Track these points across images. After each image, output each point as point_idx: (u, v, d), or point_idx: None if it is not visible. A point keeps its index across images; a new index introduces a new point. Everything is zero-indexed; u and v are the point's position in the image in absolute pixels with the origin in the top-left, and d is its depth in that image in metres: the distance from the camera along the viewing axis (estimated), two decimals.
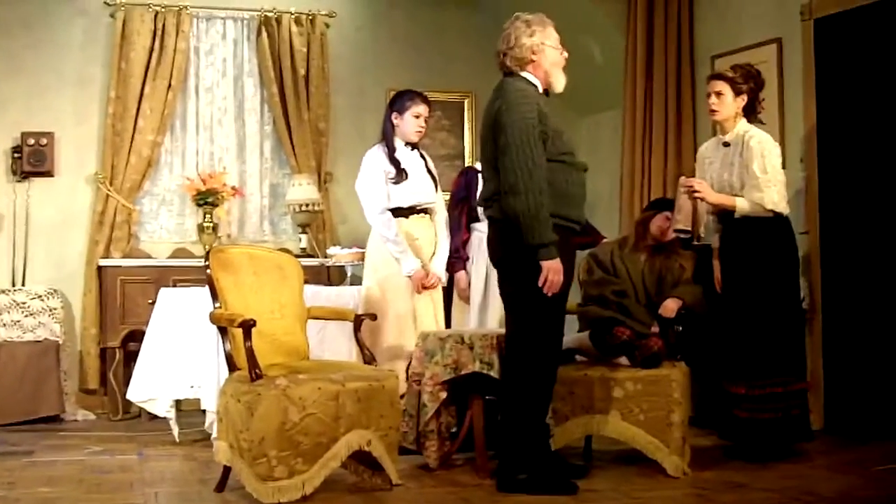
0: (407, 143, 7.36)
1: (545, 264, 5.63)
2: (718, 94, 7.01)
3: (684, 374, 6.56)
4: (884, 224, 7.77)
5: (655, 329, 6.71)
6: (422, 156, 7.46)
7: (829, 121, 8.06)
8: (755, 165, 6.80)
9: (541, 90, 6.00)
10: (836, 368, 7.98)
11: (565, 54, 6.07)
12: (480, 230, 7.41)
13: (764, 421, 6.77)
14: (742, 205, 6.81)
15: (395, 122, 7.33)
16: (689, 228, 6.92)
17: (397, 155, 7.28)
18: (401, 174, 7.22)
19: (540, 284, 5.66)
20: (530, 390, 5.84)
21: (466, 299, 7.73)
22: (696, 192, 6.85)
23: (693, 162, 8.64)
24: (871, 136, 7.87)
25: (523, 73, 5.98)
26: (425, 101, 7.39)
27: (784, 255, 6.96)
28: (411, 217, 7.26)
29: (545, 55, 5.97)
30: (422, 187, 7.32)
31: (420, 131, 7.38)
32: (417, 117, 7.32)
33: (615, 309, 6.72)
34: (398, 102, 7.36)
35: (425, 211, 7.37)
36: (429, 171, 7.42)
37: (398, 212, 7.23)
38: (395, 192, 7.21)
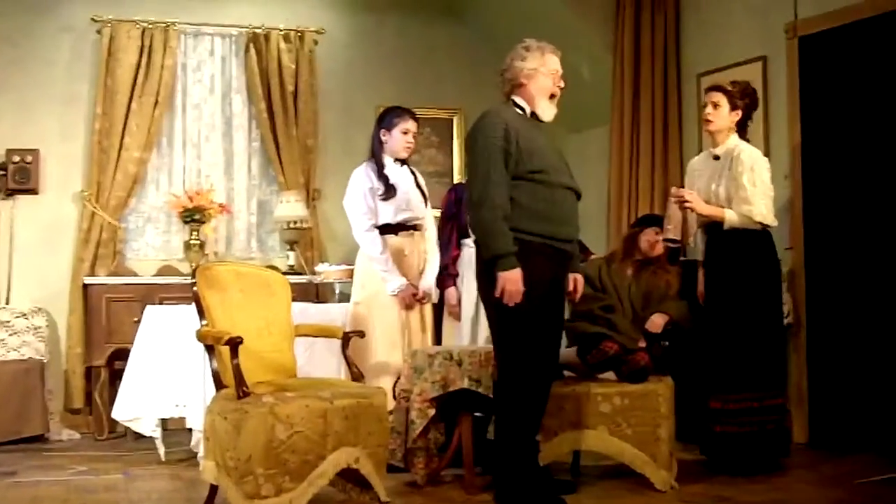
0: (396, 160, 7.34)
1: (501, 275, 5.66)
2: (715, 105, 7.05)
3: (670, 389, 6.59)
4: (867, 240, 7.84)
5: (642, 344, 6.74)
6: (412, 172, 7.45)
7: (814, 138, 8.12)
8: (745, 178, 6.84)
9: (528, 113, 6.04)
10: (820, 383, 8.03)
11: (560, 84, 6.09)
12: (470, 246, 7.40)
13: (740, 435, 6.81)
14: (731, 217, 6.85)
15: (383, 138, 7.32)
16: (679, 238, 6.98)
17: (386, 171, 7.27)
18: (389, 191, 7.20)
19: (497, 296, 5.68)
20: (516, 406, 5.83)
21: (456, 316, 7.73)
22: (686, 202, 6.90)
23: (680, 178, 8.68)
24: (855, 153, 7.94)
25: (513, 97, 6.07)
26: (413, 117, 7.39)
27: (766, 270, 7.00)
28: (400, 233, 7.25)
29: (535, 81, 6.03)
30: (411, 203, 7.31)
31: (409, 147, 7.37)
32: (406, 133, 7.31)
33: (603, 324, 6.73)
34: (386, 119, 7.36)
35: (415, 227, 7.35)
36: (419, 187, 7.41)
37: (387, 228, 7.21)
38: (383, 209, 7.19)
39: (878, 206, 7.77)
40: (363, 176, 7.25)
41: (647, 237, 7.07)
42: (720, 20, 9.09)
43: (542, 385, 5.95)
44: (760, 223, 6.86)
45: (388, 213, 7.18)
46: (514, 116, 5.97)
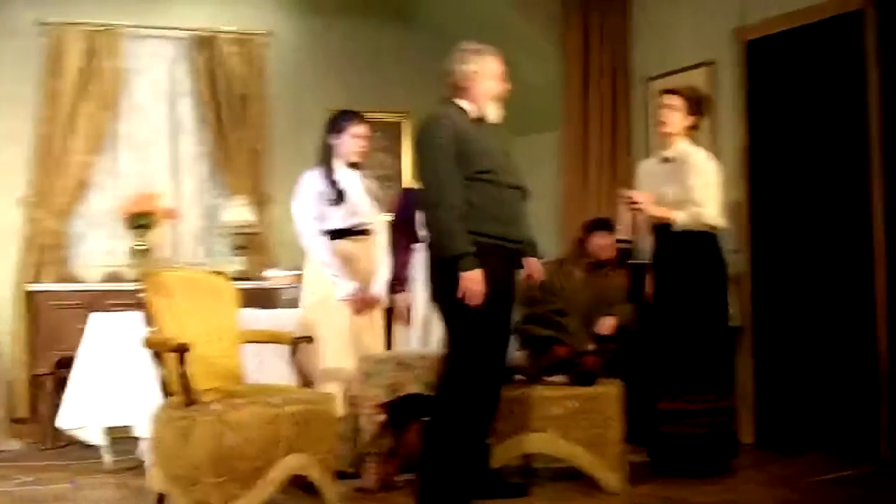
0: (348, 164, 7.31)
1: (463, 276, 5.64)
2: (672, 108, 7.09)
3: (620, 391, 6.61)
4: (813, 242, 7.90)
5: (593, 347, 6.78)
6: (362, 177, 7.41)
7: (761, 141, 8.22)
8: (695, 181, 6.88)
9: (473, 115, 6.03)
10: (767, 384, 8.12)
11: (506, 86, 6.08)
12: (422, 251, 7.39)
13: (687, 436, 6.84)
14: (681, 219, 6.88)
15: (333, 142, 7.27)
16: (630, 238, 7.00)
17: (336, 176, 7.21)
18: (338, 195, 7.16)
19: (459, 296, 5.65)
20: (459, 408, 5.80)
21: (406, 321, 7.69)
22: (636, 204, 6.93)
23: (629, 182, 8.69)
24: (801, 156, 8.01)
25: (456, 100, 6.04)
26: (363, 120, 7.33)
27: (713, 272, 7.04)
28: (350, 238, 7.20)
29: (477, 84, 6.01)
30: (361, 208, 7.25)
31: (359, 151, 7.30)
32: (356, 137, 7.25)
33: (553, 327, 6.76)
34: (336, 123, 7.30)
35: (365, 232, 7.30)
36: (369, 191, 7.37)
37: (336, 233, 7.16)
38: (332, 214, 7.14)
39: (823, 209, 7.83)
40: (312, 181, 7.20)
41: (597, 240, 7.11)
42: (668, 24, 9.15)
43: (491, 388, 5.92)
44: (710, 225, 6.90)
45: (338, 218, 7.14)
46: (460, 118, 5.95)
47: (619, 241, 7.07)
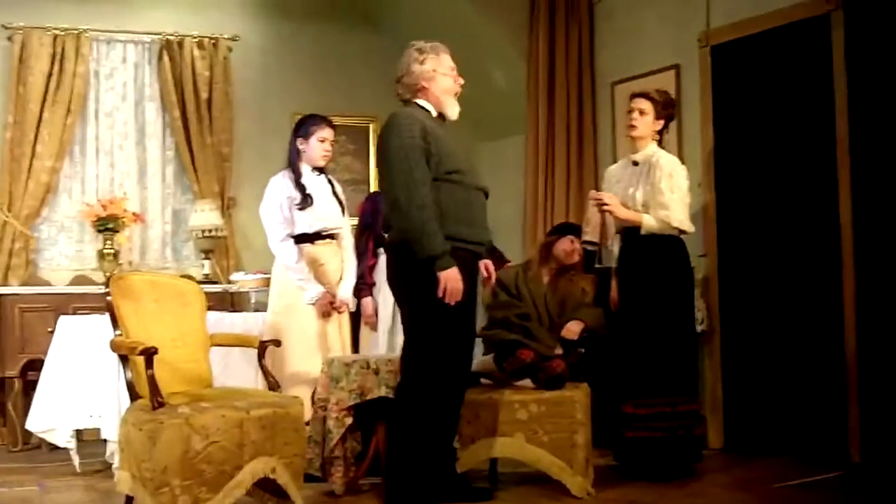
0: (314, 169, 7.33)
1: (441, 275, 5.66)
2: (642, 112, 7.10)
3: (587, 396, 6.61)
4: (780, 246, 7.94)
5: (559, 351, 6.76)
6: (329, 181, 7.44)
7: (726, 145, 8.24)
8: (663, 184, 6.90)
9: (434, 115, 6.05)
10: (734, 388, 8.13)
11: (461, 81, 6.11)
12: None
13: (651, 440, 6.84)
14: (649, 222, 6.89)
15: (300, 147, 7.29)
16: (597, 241, 7.03)
17: (303, 180, 7.23)
18: (306, 200, 7.17)
19: (440, 295, 5.67)
20: (426, 412, 5.82)
21: (373, 325, 7.70)
22: (605, 205, 6.95)
23: (595, 185, 8.75)
24: (766, 160, 8.05)
25: (416, 100, 6.06)
26: (330, 125, 7.37)
27: (679, 276, 7.06)
28: (317, 243, 7.23)
29: (436, 83, 6.03)
30: (328, 213, 7.28)
31: (326, 155, 7.34)
32: (323, 141, 7.28)
33: (519, 332, 6.75)
34: (303, 127, 7.32)
35: (332, 236, 7.33)
36: (336, 196, 7.40)
37: (304, 238, 7.19)
38: (300, 218, 7.17)
39: (790, 213, 7.87)
40: (280, 185, 7.22)
41: (563, 246, 7.10)
42: (634, 29, 9.16)
43: (452, 391, 5.94)
44: (678, 228, 6.92)
45: (305, 222, 7.16)
46: (425, 117, 5.96)
47: (585, 242, 7.08)
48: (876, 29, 7.17)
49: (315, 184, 7.27)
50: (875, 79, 7.16)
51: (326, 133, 7.31)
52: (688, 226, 6.96)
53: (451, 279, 5.66)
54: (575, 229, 7.22)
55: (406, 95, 6.09)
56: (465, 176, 5.92)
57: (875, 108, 7.16)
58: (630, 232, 7.01)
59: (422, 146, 5.75)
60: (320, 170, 7.36)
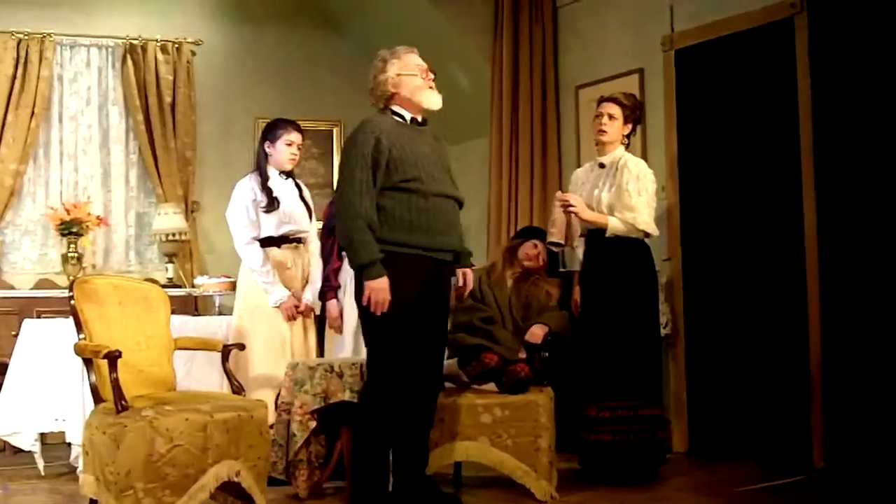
0: (282, 172, 7.35)
1: (367, 284, 5.66)
2: (611, 116, 7.11)
3: (551, 399, 6.61)
4: (743, 250, 7.96)
5: (523, 355, 6.75)
6: (297, 185, 7.46)
7: (690, 149, 8.24)
8: (631, 186, 6.90)
9: (408, 119, 6.04)
10: (698, 392, 8.13)
11: (431, 77, 6.09)
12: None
13: (613, 443, 6.83)
14: (614, 224, 6.89)
15: (268, 150, 7.31)
16: (563, 241, 7.02)
17: (270, 184, 7.24)
18: (272, 203, 7.17)
19: (364, 304, 5.69)
20: (385, 417, 5.81)
21: (338, 328, 7.64)
22: (570, 206, 6.92)
23: (560, 188, 8.76)
24: (730, 163, 8.08)
25: (391, 107, 6.06)
26: (297, 129, 7.39)
27: (643, 280, 7.05)
28: (283, 246, 7.25)
29: (404, 85, 6.01)
30: (294, 216, 7.30)
31: (293, 159, 7.35)
32: (290, 145, 7.30)
33: (483, 336, 6.75)
34: (271, 131, 7.34)
35: (299, 240, 7.35)
36: (303, 199, 7.41)
37: (269, 241, 7.20)
38: (266, 222, 7.18)
39: (754, 216, 7.91)
40: (246, 188, 7.22)
41: (527, 250, 7.11)
42: (597, 33, 9.18)
43: (416, 396, 5.92)
44: (643, 231, 6.92)
45: (271, 225, 7.17)
46: (392, 125, 5.94)
47: (550, 243, 7.08)
48: (839, 32, 7.19)
49: (282, 187, 7.29)
50: (839, 82, 7.18)
51: (294, 137, 7.33)
52: (653, 229, 6.97)
53: (375, 290, 5.65)
54: (539, 233, 7.24)
55: (380, 105, 6.09)
56: (425, 184, 5.88)
57: (839, 112, 7.18)
58: (594, 235, 7.02)
59: (372, 156, 5.75)
60: (288, 174, 7.38)
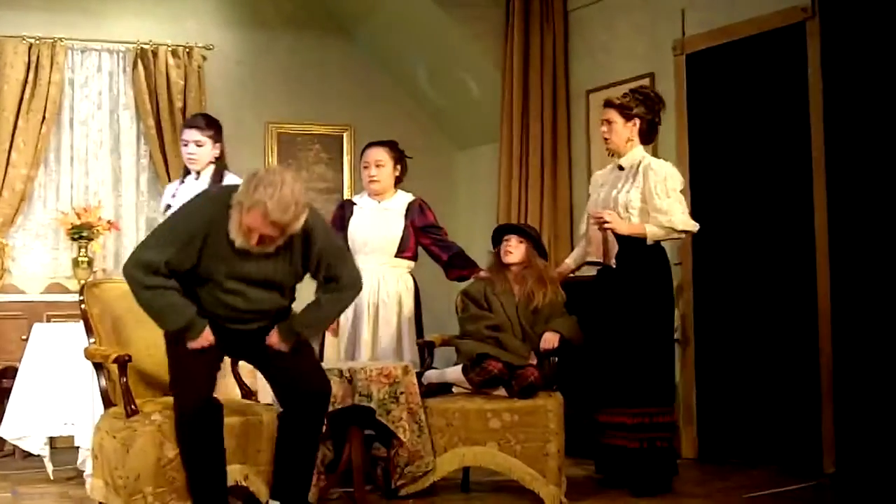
0: (196, 173, 7.04)
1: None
2: (609, 122, 6.99)
3: (560, 405, 6.60)
4: (754, 254, 7.92)
5: (533, 360, 6.73)
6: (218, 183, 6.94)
7: (701, 154, 8.25)
8: (658, 189, 6.76)
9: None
10: (708, 397, 8.13)
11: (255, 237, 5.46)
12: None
13: (626, 450, 6.74)
14: (653, 231, 6.74)
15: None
16: (601, 259, 6.95)
17: (181, 187, 7.02)
18: (167, 210, 6.94)
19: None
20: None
21: (334, 332, 7.50)
22: (605, 223, 6.78)
23: (569, 193, 8.78)
24: (741, 168, 8.03)
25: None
26: (195, 125, 7.01)
27: (659, 285, 6.92)
28: None
29: (236, 217, 5.38)
30: None
31: (191, 158, 7.00)
32: (185, 145, 6.99)
33: (490, 343, 6.73)
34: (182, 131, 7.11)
35: None
36: None
37: None
38: None
39: (766, 221, 7.86)
40: (167, 191, 7.15)
41: (504, 247, 7.04)
42: (608, 38, 9.19)
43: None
44: (683, 231, 6.80)
45: None
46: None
47: (589, 263, 7.02)
48: (851, 37, 7.19)
49: (191, 190, 6.77)
50: (850, 87, 7.18)
51: (187, 135, 7.00)
52: (692, 225, 6.82)
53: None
54: (507, 228, 7.22)
55: None
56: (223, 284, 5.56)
57: (850, 116, 7.18)
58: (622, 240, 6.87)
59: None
60: (219, 174, 7.00)
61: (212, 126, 7.08)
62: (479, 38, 9.92)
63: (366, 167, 7.49)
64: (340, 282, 5.70)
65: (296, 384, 5.67)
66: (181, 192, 6.96)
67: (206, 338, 5.51)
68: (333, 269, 5.68)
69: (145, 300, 5.46)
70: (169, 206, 6.98)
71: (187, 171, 7.15)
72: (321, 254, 5.61)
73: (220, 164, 7.08)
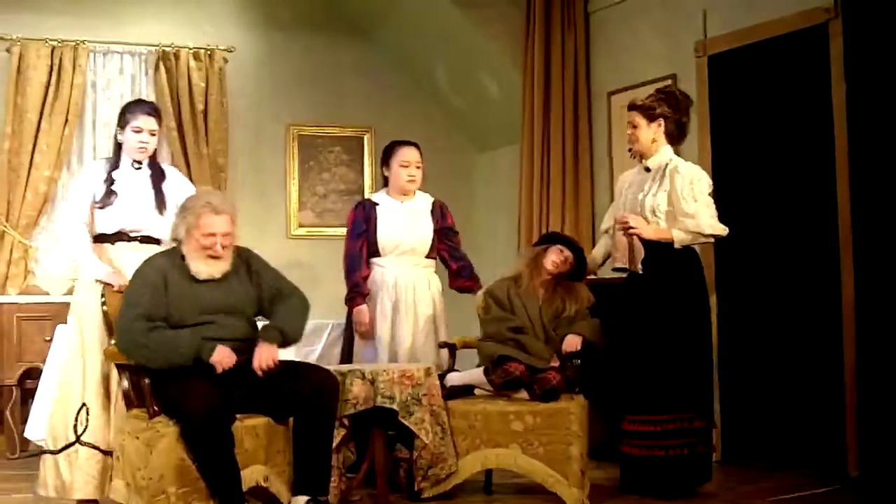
0: (135, 162, 6.62)
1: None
2: (634, 125, 6.91)
3: (583, 408, 6.58)
4: (778, 256, 7.89)
5: (555, 363, 6.70)
6: (160, 175, 6.73)
7: (723, 156, 8.21)
8: (685, 193, 6.69)
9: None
10: (732, 400, 8.09)
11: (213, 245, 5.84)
12: (380, 265, 7.31)
13: (656, 458, 6.63)
14: (679, 235, 6.65)
15: (119, 139, 6.64)
16: (627, 266, 6.89)
17: (115, 174, 6.56)
18: (109, 196, 6.51)
19: None
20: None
21: (365, 334, 7.45)
22: (631, 228, 6.69)
23: (589, 197, 8.75)
24: (764, 170, 7.99)
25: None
26: (150, 112, 6.65)
27: (695, 288, 6.82)
28: (118, 244, 6.54)
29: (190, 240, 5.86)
30: (135, 212, 6.55)
31: (142, 148, 6.57)
32: (138, 132, 6.53)
33: (512, 345, 6.71)
34: (122, 117, 6.62)
35: (150, 239, 6.58)
36: (159, 191, 6.66)
37: (103, 238, 6.53)
38: (100, 217, 6.50)
39: (788, 223, 7.83)
40: (87, 173, 6.74)
41: (553, 257, 6.93)
42: (630, 39, 9.17)
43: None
44: (711, 235, 6.71)
45: (104, 221, 6.56)
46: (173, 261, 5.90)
47: (616, 269, 6.98)
48: (875, 38, 7.15)
49: (130, 179, 6.58)
50: (874, 88, 7.15)
51: (142, 122, 6.55)
52: (721, 229, 6.72)
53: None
54: (561, 238, 7.11)
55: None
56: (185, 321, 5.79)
57: (874, 118, 7.15)
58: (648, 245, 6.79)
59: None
60: (157, 166, 6.76)
61: (160, 115, 6.84)
62: (499, 38, 9.92)
63: (405, 166, 7.43)
64: (283, 292, 6.09)
65: (300, 385, 5.79)
66: (122, 180, 6.56)
67: (225, 352, 5.64)
68: (275, 283, 6.10)
69: (154, 343, 5.59)
70: (94, 195, 6.54)
71: (116, 159, 6.66)
72: (260, 272, 6.08)
73: (155, 155, 6.78)
